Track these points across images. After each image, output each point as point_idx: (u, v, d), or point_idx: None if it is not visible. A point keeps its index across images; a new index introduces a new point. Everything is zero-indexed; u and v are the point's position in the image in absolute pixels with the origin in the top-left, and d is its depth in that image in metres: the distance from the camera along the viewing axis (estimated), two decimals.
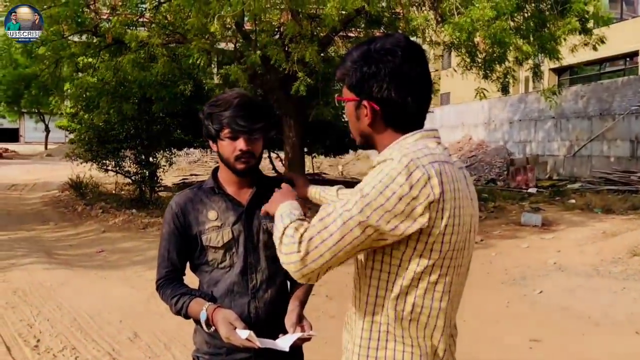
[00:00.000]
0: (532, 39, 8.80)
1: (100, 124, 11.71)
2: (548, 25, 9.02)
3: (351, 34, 11.71)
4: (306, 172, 13.90)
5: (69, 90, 11.60)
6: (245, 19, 9.85)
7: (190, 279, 1.91)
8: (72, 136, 15.29)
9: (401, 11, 9.06)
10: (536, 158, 16.63)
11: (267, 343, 1.63)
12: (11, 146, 37.77)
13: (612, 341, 4.59)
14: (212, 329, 1.70)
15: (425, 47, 11.22)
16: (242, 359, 1.80)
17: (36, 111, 37.94)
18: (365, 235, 1.23)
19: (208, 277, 1.85)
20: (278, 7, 8.83)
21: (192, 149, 17.73)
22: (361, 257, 1.38)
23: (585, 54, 10.76)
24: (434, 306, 1.33)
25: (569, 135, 16.78)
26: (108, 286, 6.16)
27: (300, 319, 1.74)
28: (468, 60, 10.27)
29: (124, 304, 5.43)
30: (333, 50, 11.31)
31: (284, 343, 1.64)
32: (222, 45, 10.46)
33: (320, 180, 16.05)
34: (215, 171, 1.91)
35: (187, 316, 1.79)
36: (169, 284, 1.85)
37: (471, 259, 1.43)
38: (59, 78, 11.18)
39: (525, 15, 9.12)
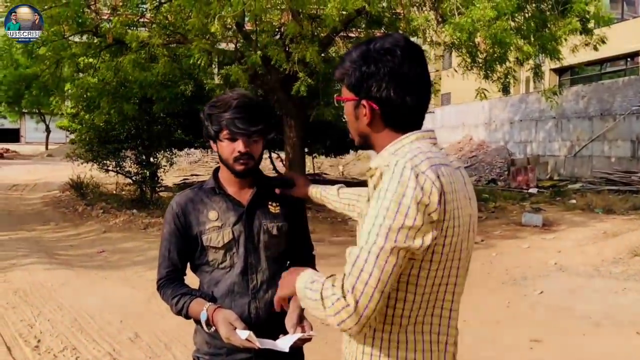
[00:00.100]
0: (532, 39, 8.79)
1: (101, 124, 11.71)
2: (549, 26, 9.01)
3: (352, 34, 11.71)
4: (307, 173, 13.90)
5: (69, 91, 11.60)
6: (246, 19, 9.84)
7: (191, 279, 1.91)
8: (72, 136, 15.29)
9: (402, 11, 9.05)
10: (537, 158, 16.63)
11: (267, 343, 1.63)
12: (12, 146, 37.81)
13: (612, 341, 4.59)
14: (213, 329, 1.71)
15: (426, 47, 11.22)
16: (242, 359, 1.80)
17: (37, 111, 37.95)
18: (400, 259, 1.22)
19: (208, 278, 1.85)
20: (279, 7, 8.82)
21: (192, 149, 17.73)
22: None
23: (586, 54, 10.75)
24: (436, 305, 1.33)
25: (569, 136, 16.78)
26: (109, 286, 6.16)
27: (301, 319, 1.74)
28: (469, 60, 10.26)
29: (125, 304, 5.43)
30: (334, 51, 11.31)
31: (283, 344, 1.64)
32: (222, 45, 10.46)
33: (321, 180, 16.05)
34: (216, 171, 1.91)
35: (187, 316, 1.79)
36: (170, 284, 1.85)
37: (471, 259, 1.43)
38: (59, 78, 11.18)
39: (526, 15, 9.11)
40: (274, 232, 1.85)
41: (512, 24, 8.11)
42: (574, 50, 9.77)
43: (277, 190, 1.90)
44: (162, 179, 12.91)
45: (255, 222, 1.84)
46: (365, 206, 1.33)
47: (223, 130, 1.75)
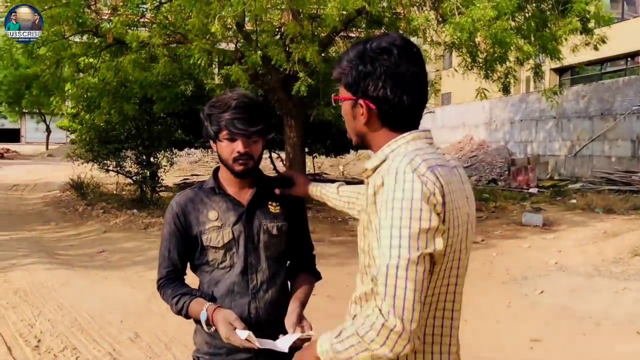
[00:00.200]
0: (533, 39, 8.78)
1: (101, 124, 11.72)
2: (549, 25, 9.00)
3: (352, 34, 11.70)
4: (307, 172, 13.90)
5: (70, 91, 11.58)
6: (246, 19, 9.83)
7: (191, 279, 1.91)
8: (73, 136, 15.30)
9: (402, 11, 9.05)
10: (537, 158, 16.62)
11: (267, 344, 1.63)
12: (12, 146, 37.84)
13: (613, 341, 4.59)
14: (212, 329, 1.71)
15: (426, 47, 11.22)
16: (242, 359, 1.80)
17: (37, 111, 37.93)
18: (427, 264, 1.21)
19: (208, 277, 1.85)
20: (279, 7, 8.82)
21: (193, 149, 17.74)
22: (364, 262, 1.38)
23: (587, 54, 10.75)
24: (438, 307, 1.33)
25: (570, 135, 16.77)
26: (109, 286, 6.16)
27: (301, 319, 1.75)
28: (469, 60, 10.25)
29: (125, 304, 5.43)
30: (334, 51, 11.30)
31: (283, 344, 1.64)
32: (223, 45, 10.45)
33: (321, 180, 16.04)
34: (216, 171, 1.91)
35: (187, 316, 1.79)
36: (170, 284, 1.85)
37: (469, 257, 1.43)
38: (60, 78, 11.18)
39: (526, 15, 9.10)
40: (274, 232, 1.85)
41: (513, 23, 8.10)
42: (574, 50, 9.76)
43: (276, 191, 1.89)
44: (162, 179, 12.92)
45: (255, 222, 1.84)
46: (370, 209, 1.31)
47: (222, 131, 1.75)
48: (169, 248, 1.86)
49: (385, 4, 9.24)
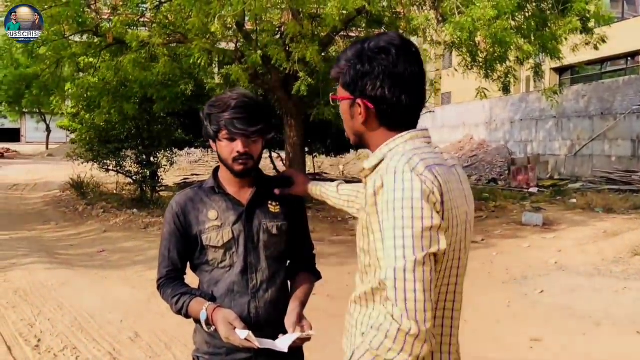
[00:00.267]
0: (533, 38, 8.78)
1: (102, 124, 11.72)
2: (549, 25, 9.00)
3: (352, 34, 11.70)
4: (307, 172, 13.90)
5: (70, 90, 11.58)
6: (246, 18, 9.83)
7: (191, 279, 1.91)
8: (73, 136, 15.28)
9: (402, 11, 9.05)
10: (537, 158, 16.62)
11: (266, 343, 1.63)
12: (12, 146, 37.83)
13: (613, 341, 4.59)
14: (212, 328, 1.71)
15: (426, 46, 11.23)
16: (242, 359, 1.80)
17: (37, 111, 37.94)
18: (432, 262, 1.22)
19: (208, 277, 1.85)
20: (279, 6, 8.82)
21: (193, 149, 17.75)
22: (364, 261, 1.38)
23: (587, 54, 10.74)
24: (438, 307, 1.33)
25: (570, 135, 16.78)
26: (109, 286, 6.16)
27: (300, 318, 1.74)
28: (469, 59, 10.25)
29: (125, 304, 5.44)
30: (334, 50, 11.29)
31: (282, 344, 1.64)
32: (223, 45, 10.45)
33: (321, 179, 16.02)
34: (215, 171, 1.91)
35: (187, 316, 1.79)
36: (170, 284, 1.85)
37: (468, 256, 1.43)
38: (60, 78, 11.17)
39: (527, 14, 9.10)
40: (274, 231, 1.85)
41: (513, 23, 8.10)
42: (575, 50, 9.76)
43: (276, 191, 1.89)
44: (162, 179, 12.92)
45: (255, 221, 1.84)
46: (370, 210, 1.31)
47: (222, 131, 1.75)
48: (169, 247, 1.86)
49: (385, 4, 9.24)
